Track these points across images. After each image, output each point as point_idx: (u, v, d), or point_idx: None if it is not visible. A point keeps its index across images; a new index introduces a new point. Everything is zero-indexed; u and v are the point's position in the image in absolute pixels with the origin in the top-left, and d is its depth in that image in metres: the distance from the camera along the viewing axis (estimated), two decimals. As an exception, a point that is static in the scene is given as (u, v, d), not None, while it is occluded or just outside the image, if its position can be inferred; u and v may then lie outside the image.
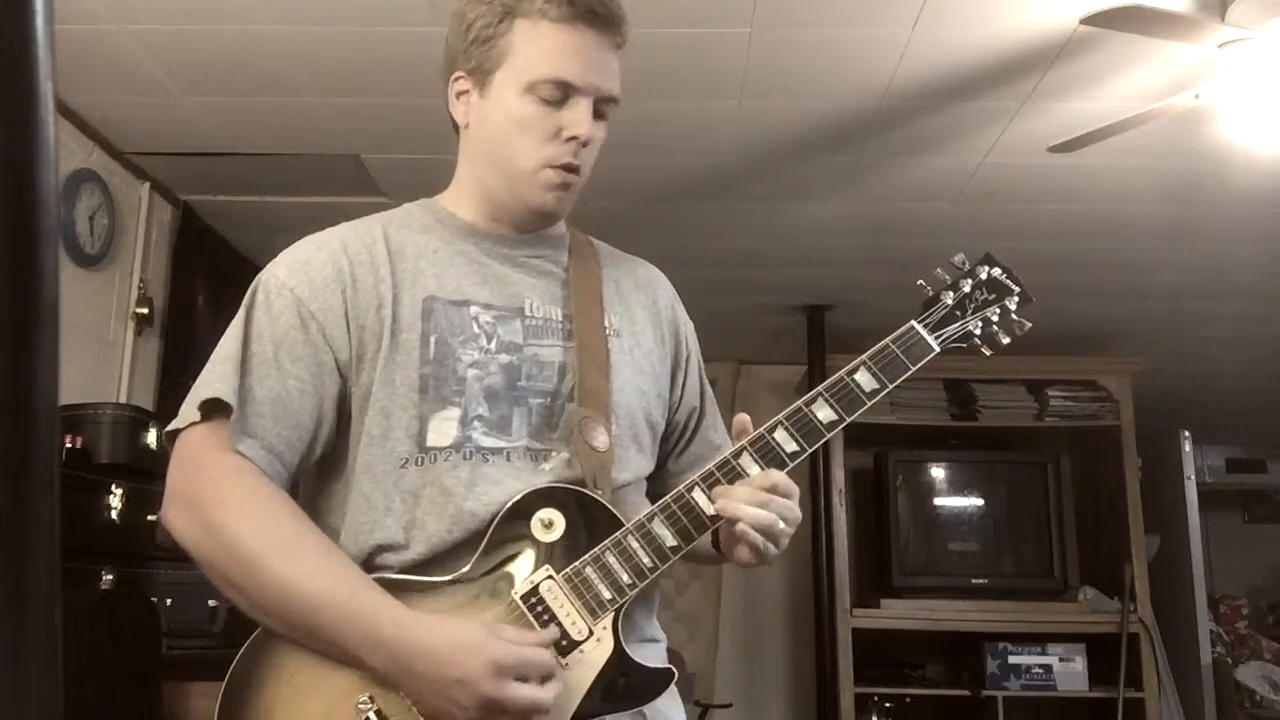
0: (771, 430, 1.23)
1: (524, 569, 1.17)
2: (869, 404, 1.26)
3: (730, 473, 1.21)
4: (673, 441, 1.42)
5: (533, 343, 1.26)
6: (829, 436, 1.25)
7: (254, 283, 1.26)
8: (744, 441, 1.22)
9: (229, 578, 1.13)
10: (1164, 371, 4.71)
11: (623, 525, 1.19)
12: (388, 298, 1.23)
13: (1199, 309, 4.50)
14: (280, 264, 1.26)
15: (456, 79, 1.29)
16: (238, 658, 1.15)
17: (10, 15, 0.40)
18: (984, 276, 1.35)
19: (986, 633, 4.36)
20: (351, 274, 1.24)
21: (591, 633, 1.16)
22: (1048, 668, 4.35)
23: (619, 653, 1.17)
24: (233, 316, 1.25)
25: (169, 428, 1.20)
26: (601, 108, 1.27)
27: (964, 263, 1.35)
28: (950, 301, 1.32)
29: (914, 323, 1.30)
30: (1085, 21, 2.29)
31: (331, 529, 1.21)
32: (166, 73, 2.85)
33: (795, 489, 1.21)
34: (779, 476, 1.20)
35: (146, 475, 2.61)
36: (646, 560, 1.18)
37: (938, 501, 4.70)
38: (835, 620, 4.40)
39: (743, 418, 1.24)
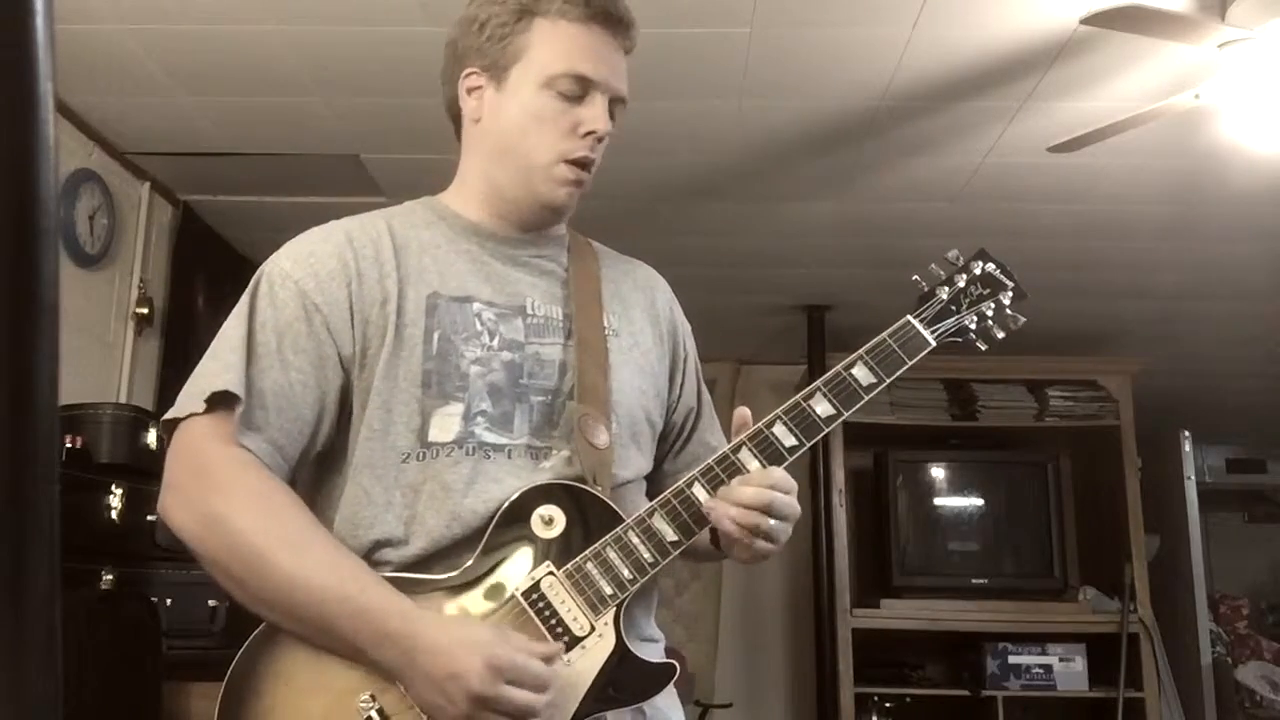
0: (770, 425, 1.23)
1: (525, 566, 1.17)
2: (866, 398, 1.27)
3: (729, 468, 1.21)
4: (670, 442, 1.43)
5: (534, 341, 1.26)
6: (827, 431, 1.26)
7: (257, 273, 1.25)
8: (743, 436, 1.23)
9: (231, 571, 1.13)
10: (1164, 371, 4.71)
11: (623, 521, 1.19)
12: (393, 293, 1.23)
13: (1199, 309, 4.50)
14: (284, 255, 1.26)
15: (469, 74, 1.30)
16: (237, 658, 1.15)
17: (10, 15, 0.40)
18: (978, 271, 1.36)
19: (986, 633, 4.36)
20: (357, 268, 1.24)
21: (593, 628, 1.17)
22: (1048, 668, 4.35)
23: (621, 648, 1.17)
24: (233, 316, 1.24)
25: (167, 416, 1.20)
26: (613, 108, 1.29)
27: (958, 258, 1.36)
28: (945, 296, 1.33)
29: (910, 317, 1.31)
30: (1085, 21, 2.29)
31: (330, 523, 1.21)
32: (166, 73, 2.85)
33: (794, 484, 1.22)
34: (779, 474, 1.20)
35: (146, 475, 2.61)
36: (647, 555, 1.18)
37: (938, 501, 4.70)
38: (835, 620, 4.40)
39: (743, 411, 1.25)
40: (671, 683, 1.22)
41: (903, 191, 3.51)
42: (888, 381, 1.28)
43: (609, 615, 1.17)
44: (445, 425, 1.20)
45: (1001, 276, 1.37)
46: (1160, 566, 4.72)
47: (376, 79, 2.84)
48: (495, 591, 1.16)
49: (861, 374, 1.27)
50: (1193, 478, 5.08)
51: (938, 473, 4.72)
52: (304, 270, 1.23)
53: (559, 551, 1.18)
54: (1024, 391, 4.63)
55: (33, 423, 0.40)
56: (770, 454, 1.22)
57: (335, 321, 1.22)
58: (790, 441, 1.23)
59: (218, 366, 1.18)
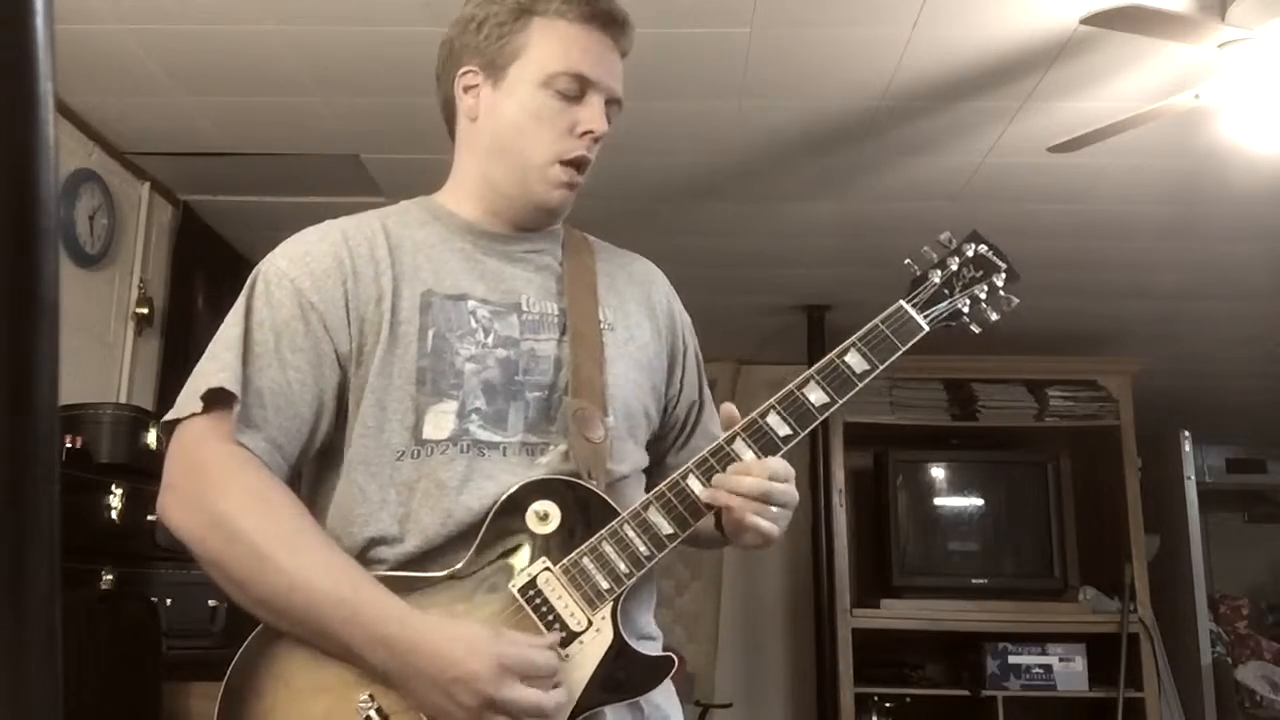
0: (764, 414, 1.23)
1: (521, 562, 1.17)
2: (860, 385, 1.26)
3: (724, 459, 1.21)
4: (673, 436, 1.42)
5: (529, 337, 1.26)
6: (821, 419, 1.25)
7: (254, 272, 1.25)
8: (737, 427, 1.22)
9: (230, 572, 1.13)
10: (1164, 371, 4.71)
11: (619, 515, 1.19)
12: (388, 290, 1.23)
13: (1199, 309, 4.50)
14: (281, 254, 1.26)
15: (465, 73, 1.30)
16: (235, 660, 1.14)
17: (10, 15, 0.40)
18: (971, 254, 1.35)
19: (986, 633, 4.36)
20: (352, 266, 1.24)
21: (590, 623, 1.16)
22: (1048, 668, 4.35)
23: (619, 642, 1.17)
24: (232, 315, 1.24)
25: (167, 418, 1.20)
26: (609, 109, 1.29)
27: (950, 240, 1.36)
28: (938, 280, 1.32)
29: (902, 302, 1.30)
30: (1085, 21, 2.29)
31: (326, 521, 1.21)
32: (166, 73, 2.85)
33: (791, 471, 1.22)
34: (776, 462, 1.20)
35: (146, 475, 2.60)
36: (643, 549, 1.18)
37: (938, 501, 4.70)
38: (835, 620, 4.40)
39: (729, 408, 1.25)
40: (670, 676, 1.22)
41: (903, 191, 3.51)
42: (881, 368, 1.27)
43: (606, 610, 1.17)
44: (440, 423, 1.20)
45: (994, 258, 1.37)
46: (1160, 566, 4.72)
47: (376, 79, 2.84)
48: (491, 588, 1.16)
49: (855, 361, 1.26)
50: (1193, 478, 5.08)
51: (938, 473, 4.72)
52: (300, 269, 1.23)
53: (555, 547, 1.18)
54: (1024, 391, 4.63)
55: (33, 423, 0.40)
56: (765, 444, 1.22)
57: (331, 319, 1.22)
58: (785, 431, 1.22)
59: (215, 366, 1.18)
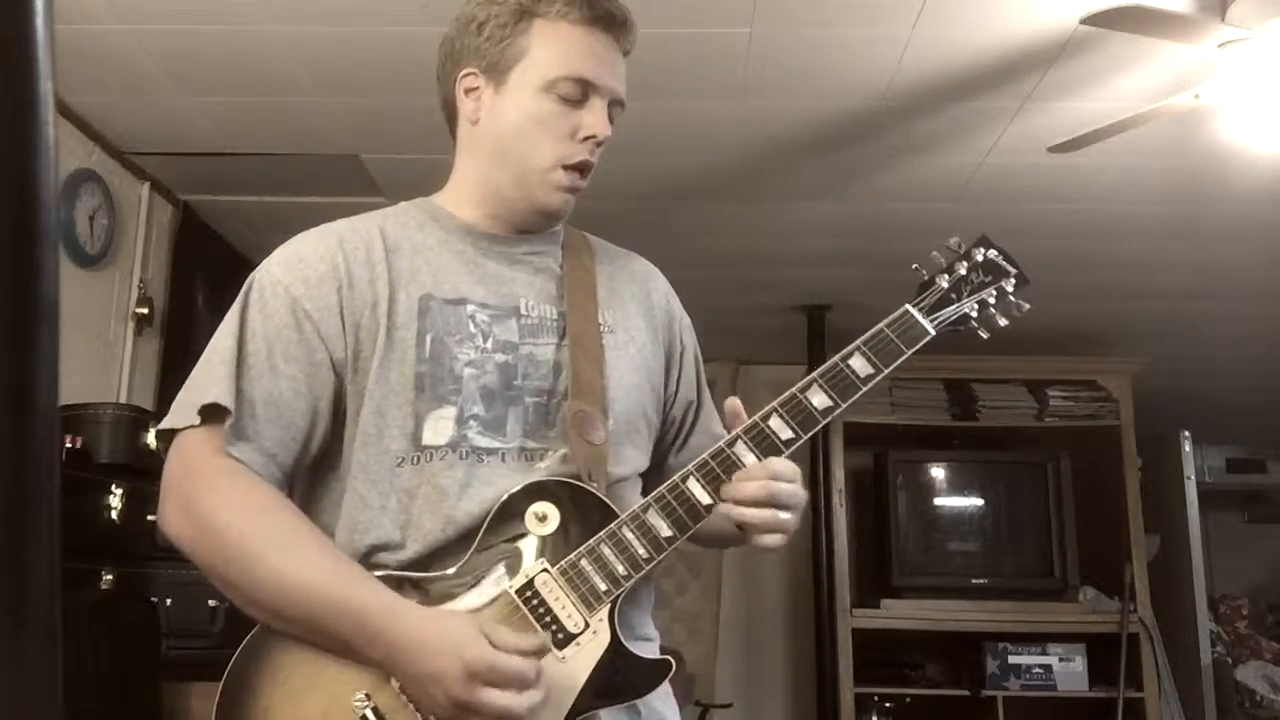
0: (766, 418, 1.22)
1: (519, 563, 1.17)
2: (864, 389, 1.25)
3: (725, 462, 1.20)
4: (671, 437, 1.42)
5: (528, 341, 1.26)
6: (824, 423, 1.23)
7: (248, 279, 1.25)
8: (738, 430, 1.21)
9: (226, 576, 1.14)
10: (1164, 371, 4.71)
11: (618, 517, 1.19)
12: (383, 295, 1.23)
13: (1199, 309, 4.50)
14: (275, 260, 1.26)
15: (466, 75, 1.28)
16: (233, 660, 1.15)
17: (10, 15, 0.40)
18: (980, 259, 1.33)
19: (986, 633, 4.36)
20: (348, 271, 1.23)
21: (588, 625, 1.16)
22: (1048, 668, 4.35)
23: (615, 645, 1.16)
24: (232, 316, 1.24)
25: (162, 426, 1.20)
26: (611, 110, 1.28)
27: (960, 245, 1.34)
28: (945, 284, 1.31)
29: (909, 306, 1.29)
30: (1085, 21, 2.29)
31: (327, 528, 1.21)
32: (166, 73, 2.85)
33: (797, 470, 1.21)
34: (780, 464, 1.19)
35: (146, 475, 2.60)
36: (642, 551, 1.17)
37: (938, 501, 4.70)
38: (835, 620, 4.40)
39: (733, 402, 1.23)
40: (667, 679, 1.21)
41: (903, 191, 3.51)
42: (885, 372, 1.25)
43: (604, 612, 1.17)
44: (438, 429, 1.20)
45: (1003, 263, 1.34)
46: (1160, 566, 4.72)
47: (376, 79, 2.84)
48: (490, 588, 1.16)
49: (859, 365, 1.25)
50: (1193, 478, 5.08)
51: (938, 473, 4.72)
52: (294, 276, 1.23)
53: (553, 548, 1.17)
54: (1024, 391, 4.63)
55: (33, 423, 0.40)
56: (766, 447, 1.21)
57: (326, 327, 1.21)
58: (787, 434, 1.21)
59: (208, 379, 1.18)
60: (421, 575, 1.16)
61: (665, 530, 1.18)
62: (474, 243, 1.30)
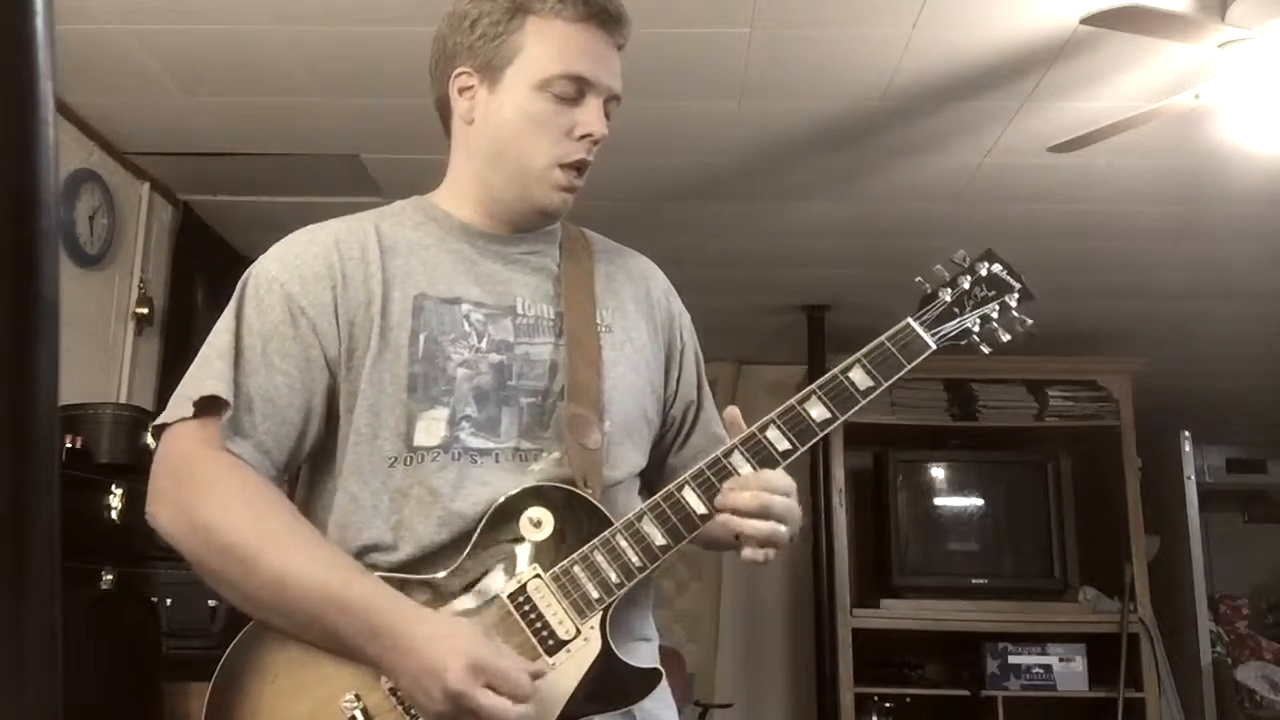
0: (763, 429, 1.21)
1: (512, 568, 1.17)
2: (863, 402, 1.24)
3: (720, 471, 1.19)
4: (671, 436, 1.41)
5: (524, 341, 1.25)
6: (822, 435, 1.23)
7: (244, 276, 1.25)
8: (735, 440, 1.21)
9: (220, 573, 1.13)
10: (1164, 371, 4.71)
11: (612, 524, 1.18)
12: (377, 294, 1.22)
13: (1199, 309, 4.50)
14: (271, 257, 1.25)
15: (460, 74, 1.27)
16: (224, 658, 1.15)
17: (10, 15, 0.40)
18: (984, 273, 1.32)
19: (986, 633, 4.36)
20: (342, 269, 1.23)
21: (579, 632, 1.15)
22: (1048, 668, 4.35)
23: (606, 653, 1.16)
24: (231, 315, 1.24)
25: (157, 422, 1.20)
26: (607, 106, 1.27)
27: (965, 259, 1.33)
28: (948, 298, 1.30)
29: (910, 320, 1.28)
30: (1085, 21, 2.29)
31: (324, 528, 1.21)
32: (166, 73, 2.85)
33: (792, 485, 1.20)
34: (774, 476, 1.19)
35: (146, 475, 2.59)
36: (635, 559, 1.17)
37: (938, 501, 4.70)
38: (835, 620, 4.40)
39: (732, 411, 1.23)
40: (657, 688, 1.20)
41: (903, 191, 3.51)
42: (885, 385, 1.25)
43: (595, 619, 1.16)
44: (431, 430, 1.19)
45: (1008, 278, 1.33)
46: (1160, 566, 4.72)
47: (376, 79, 2.84)
48: (481, 593, 1.16)
49: (859, 378, 1.24)
50: (1193, 478, 5.07)
51: (938, 473, 4.72)
52: (289, 273, 1.22)
53: (546, 554, 1.17)
54: (1024, 391, 4.63)
55: (33, 423, 0.40)
56: (763, 458, 1.20)
57: (321, 324, 1.21)
58: (784, 446, 1.21)
59: (205, 372, 1.18)
60: (414, 577, 1.16)
61: (659, 539, 1.18)
62: (470, 242, 1.29)
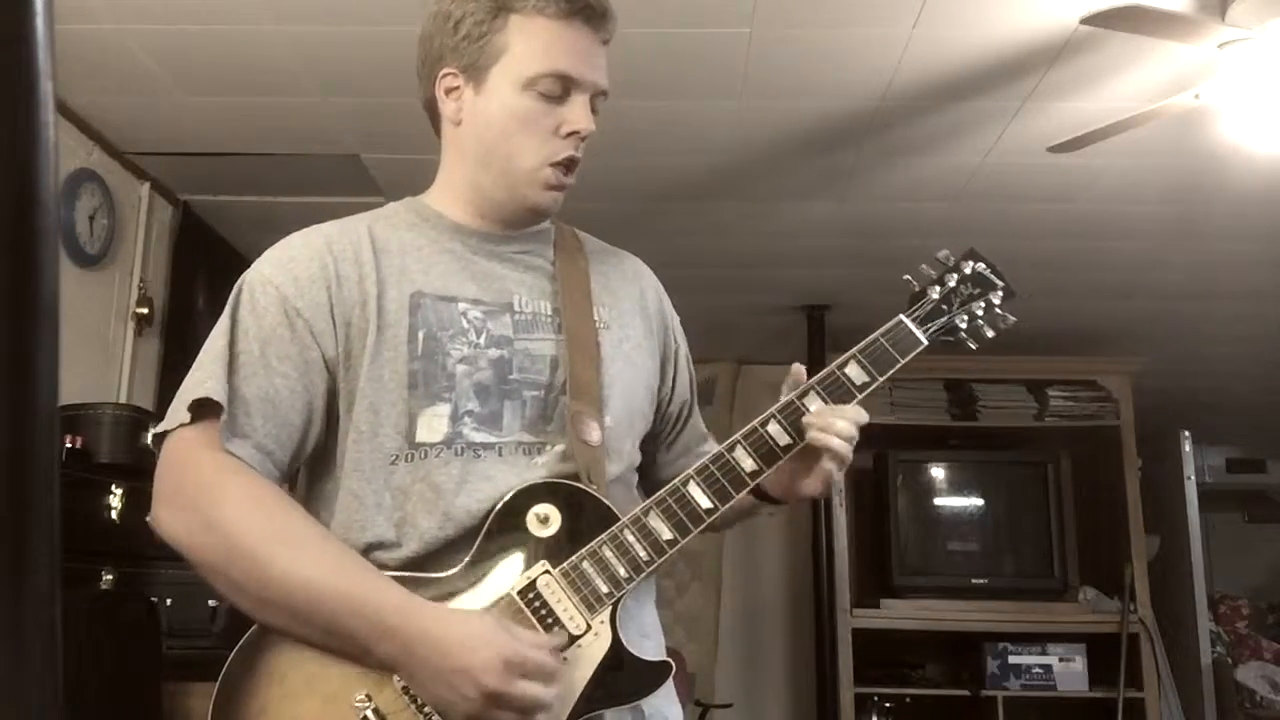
0: (764, 423, 1.24)
1: (521, 565, 1.17)
2: (859, 397, 1.28)
3: (724, 467, 1.22)
4: (665, 433, 1.43)
5: (523, 337, 1.26)
6: None
7: (239, 281, 1.25)
8: (737, 435, 1.24)
9: (229, 575, 1.12)
10: (1164, 371, 4.71)
11: (618, 519, 1.19)
12: (372, 294, 1.23)
13: (1199, 309, 4.50)
14: (265, 261, 1.26)
15: (445, 75, 1.28)
16: (230, 658, 1.14)
17: (10, 15, 0.40)
18: (968, 271, 1.37)
19: (986, 633, 4.36)
20: (336, 271, 1.23)
21: (589, 627, 1.16)
22: (1048, 668, 4.35)
23: (617, 647, 1.17)
24: (229, 317, 1.24)
25: (156, 430, 1.20)
26: (594, 102, 1.27)
27: (948, 258, 1.38)
28: (936, 296, 1.35)
29: (902, 316, 1.33)
30: (1085, 21, 2.29)
31: (326, 527, 1.21)
32: (166, 73, 2.85)
33: (864, 416, 1.27)
34: (855, 410, 1.25)
35: (146, 475, 2.57)
36: (643, 554, 1.18)
37: (938, 501, 4.70)
38: (835, 620, 4.40)
39: (798, 368, 1.29)
40: (668, 680, 1.22)
41: (903, 191, 3.51)
42: (880, 380, 1.29)
43: (605, 614, 1.17)
44: (433, 426, 1.20)
45: (991, 276, 1.38)
46: (1160, 566, 4.72)
47: (376, 79, 2.84)
48: (491, 590, 1.16)
49: (854, 373, 1.28)
50: (1193, 478, 5.07)
51: (938, 473, 4.72)
52: (284, 275, 1.23)
53: (555, 550, 1.18)
54: (1024, 391, 4.63)
55: (33, 423, 0.40)
56: (765, 453, 1.23)
57: (318, 325, 1.21)
58: (785, 440, 1.24)
59: (201, 377, 1.18)
60: (423, 575, 1.16)
61: (666, 533, 1.19)
62: (464, 241, 1.30)
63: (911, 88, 2.86)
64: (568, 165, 1.26)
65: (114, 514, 2.60)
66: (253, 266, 1.26)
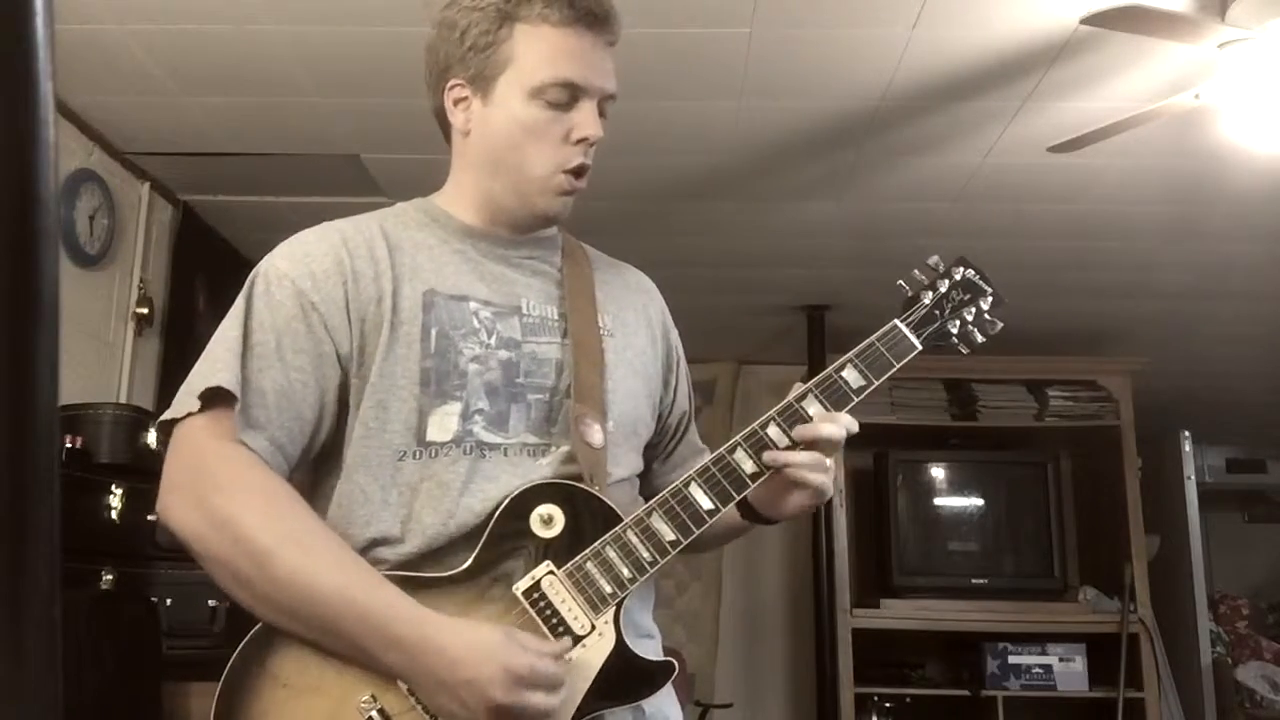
0: (764, 426, 1.25)
1: (525, 565, 1.18)
2: (856, 400, 1.30)
3: (725, 468, 1.23)
4: (663, 444, 1.44)
5: (530, 340, 1.26)
6: None
7: (253, 273, 1.25)
8: (738, 438, 1.25)
9: (236, 571, 1.12)
10: (1164, 371, 4.71)
11: (621, 520, 1.20)
12: (387, 290, 1.23)
13: (1199, 309, 4.50)
14: (280, 255, 1.26)
15: (453, 86, 1.28)
16: (233, 659, 1.14)
17: (10, 15, 0.40)
18: (959, 278, 1.39)
19: (986, 633, 4.36)
20: (352, 267, 1.23)
21: (593, 627, 1.17)
22: (1048, 668, 4.35)
23: (620, 647, 1.18)
24: (233, 316, 1.24)
25: (164, 417, 1.19)
26: (603, 106, 1.28)
27: (939, 264, 1.40)
28: (929, 302, 1.37)
29: (897, 321, 1.34)
30: (1085, 21, 2.29)
31: (327, 522, 1.21)
32: (166, 73, 2.85)
33: (854, 426, 1.29)
34: (846, 418, 1.26)
35: (146, 475, 2.60)
36: (646, 555, 1.19)
37: (938, 501, 4.70)
38: (835, 620, 4.40)
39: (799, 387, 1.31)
40: (670, 680, 1.22)
41: (903, 191, 3.51)
42: (876, 384, 1.31)
43: (609, 614, 1.18)
44: (443, 425, 1.20)
45: (981, 283, 1.40)
46: (1160, 566, 4.72)
47: (376, 79, 2.84)
48: (495, 590, 1.17)
49: (851, 377, 1.29)
50: (1193, 478, 5.08)
51: (938, 473, 4.72)
52: (300, 269, 1.23)
53: (559, 551, 1.18)
54: (1024, 391, 4.63)
55: (33, 423, 0.40)
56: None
57: (333, 320, 1.21)
58: (784, 443, 1.25)
59: (213, 367, 1.18)
60: (428, 575, 1.16)
61: (669, 535, 1.20)
62: (473, 244, 1.30)
63: (911, 88, 2.86)
64: (577, 172, 1.27)
65: (114, 514, 2.60)
66: (266, 259, 1.26)
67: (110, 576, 2.55)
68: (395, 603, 1.11)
